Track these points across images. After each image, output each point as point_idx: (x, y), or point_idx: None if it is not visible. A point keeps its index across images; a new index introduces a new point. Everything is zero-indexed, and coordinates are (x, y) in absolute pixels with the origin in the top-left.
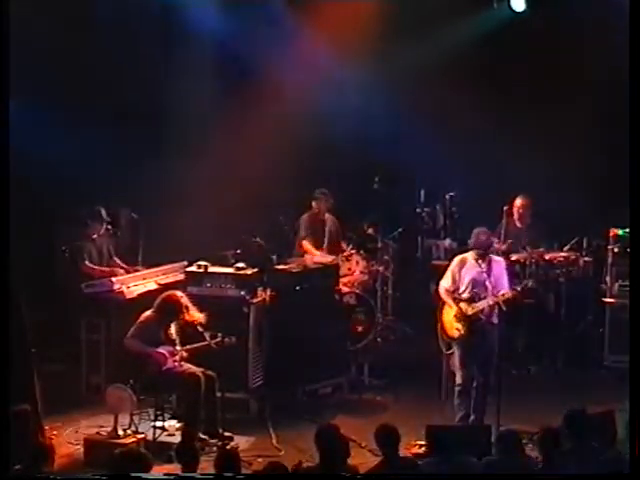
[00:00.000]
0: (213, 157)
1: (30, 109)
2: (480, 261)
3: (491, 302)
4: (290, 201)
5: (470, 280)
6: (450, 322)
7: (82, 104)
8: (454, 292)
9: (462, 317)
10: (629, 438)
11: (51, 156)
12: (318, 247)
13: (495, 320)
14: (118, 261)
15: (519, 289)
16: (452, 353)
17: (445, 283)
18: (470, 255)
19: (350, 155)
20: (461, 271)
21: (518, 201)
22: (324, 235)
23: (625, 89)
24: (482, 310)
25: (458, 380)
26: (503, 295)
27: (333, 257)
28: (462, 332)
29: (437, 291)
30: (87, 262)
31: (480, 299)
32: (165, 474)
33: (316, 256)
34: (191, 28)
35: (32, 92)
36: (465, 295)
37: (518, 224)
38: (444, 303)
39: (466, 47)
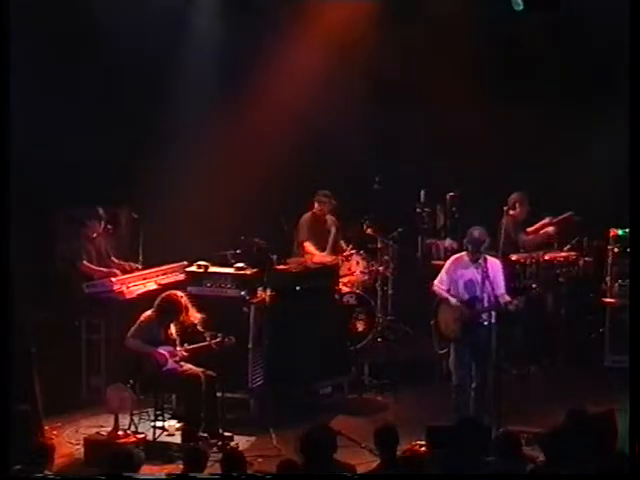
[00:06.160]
0: (213, 157)
1: (30, 109)
2: (475, 261)
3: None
4: (290, 201)
5: (467, 281)
6: (447, 323)
7: (82, 104)
8: (449, 291)
9: (462, 320)
10: (629, 438)
11: (51, 156)
12: (322, 249)
13: (493, 320)
14: (117, 261)
15: (526, 297)
16: (447, 353)
17: (439, 282)
18: (466, 255)
19: (350, 155)
20: (456, 270)
21: (517, 200)
22: (326, 236)
23: (625, 89)
24: (483, 314)
25: (455, 381)
26: (516, 304)
27: (333, 257)
28: (459, 334)
29: (433, 290)
30: (86, 262)
31: (480, 302)
32: (165, 474)
33: (316, 256)
34: (190, 30)
35: (32, 92)
36: (465, 298)
37: (518, 224)
38: (440, 303)
39: (466, 47)
